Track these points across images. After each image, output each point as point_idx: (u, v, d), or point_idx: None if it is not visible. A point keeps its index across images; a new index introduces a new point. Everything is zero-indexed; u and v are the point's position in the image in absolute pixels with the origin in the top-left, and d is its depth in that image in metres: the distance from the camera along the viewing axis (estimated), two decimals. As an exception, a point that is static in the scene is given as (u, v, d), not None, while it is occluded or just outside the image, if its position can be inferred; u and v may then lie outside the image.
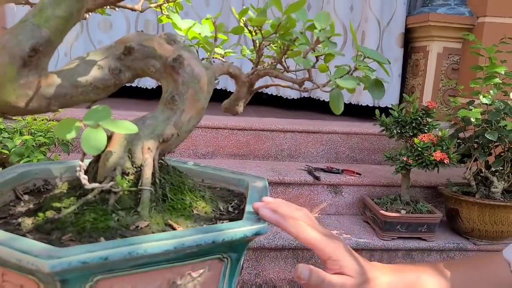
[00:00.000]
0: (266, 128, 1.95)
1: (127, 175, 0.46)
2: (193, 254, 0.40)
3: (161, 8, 0.55)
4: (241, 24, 0.52)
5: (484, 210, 1.51)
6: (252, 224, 0.43)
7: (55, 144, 1.39)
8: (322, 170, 1.85)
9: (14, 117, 1.32)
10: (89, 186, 0.42)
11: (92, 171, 0.47)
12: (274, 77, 0.52)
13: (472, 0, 2.20)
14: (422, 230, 1.55)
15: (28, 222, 0.43)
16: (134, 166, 0.46)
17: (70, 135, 0.38)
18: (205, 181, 0.61)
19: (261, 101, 2.96)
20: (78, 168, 0.43)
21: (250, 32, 0.51)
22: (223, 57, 0.60)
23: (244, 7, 0.51)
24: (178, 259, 0.39)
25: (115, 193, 0.44)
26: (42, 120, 1.39)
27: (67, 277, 0.34)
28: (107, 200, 0.44)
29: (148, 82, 2.48)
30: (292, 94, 2.65)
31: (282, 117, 2.32)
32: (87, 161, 0.50)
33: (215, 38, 0.52)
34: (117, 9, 0.50)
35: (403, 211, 1.55)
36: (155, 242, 0.37)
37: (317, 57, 0.49)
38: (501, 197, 1.53)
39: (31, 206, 0.48)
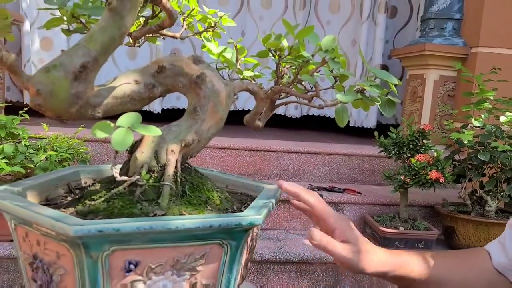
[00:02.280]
0: (272, 149, 2.04)
1: (153, 172, 0.54)
2: (195, 237, 0.46)
3: (201, 36, 0.64)
4: (266, 49, 0.59)
5: (479, 228, 1.57)
6: (248, 215, 0.49)
7: (74, 161, 1.48)
8: (325, 189, 1.91)
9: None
10: (119, 178, 0.50)
11: (125, 168, 0.56)
12: (287, 94, 0.60)
13: (466, 31, 2.32)
14: (420, 246, 1.60)
15: (71, 208, 0.52)
16: (159, 165, 0.54)
17: (103, 134, 0.45)
18: (228, 187, 0.68)
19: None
20: (111, 164, 0.52)
21: (273, 55, 0.59)
22: (253, 79, 0.66)
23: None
24: (182, 240, 0.46)
25: (141, 186, 0.52)
26: (64, 138, 1.50)
27: (88, 242, 0.42)
28: (134, 192, 0.51)
29: (155, 107, 2.64)
30: (295, 113, 2.89)
31: (283, 134, 2.41)
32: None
33: (236, 60, 0.61)
34: (162, 36, 0.60)
35: (401, 228, 1.61)
36: (160, 221, 0.44)
37: (335, 78, 0.57)
38: (495, 216, 1.59)
39: (77, 197, 0.57)
